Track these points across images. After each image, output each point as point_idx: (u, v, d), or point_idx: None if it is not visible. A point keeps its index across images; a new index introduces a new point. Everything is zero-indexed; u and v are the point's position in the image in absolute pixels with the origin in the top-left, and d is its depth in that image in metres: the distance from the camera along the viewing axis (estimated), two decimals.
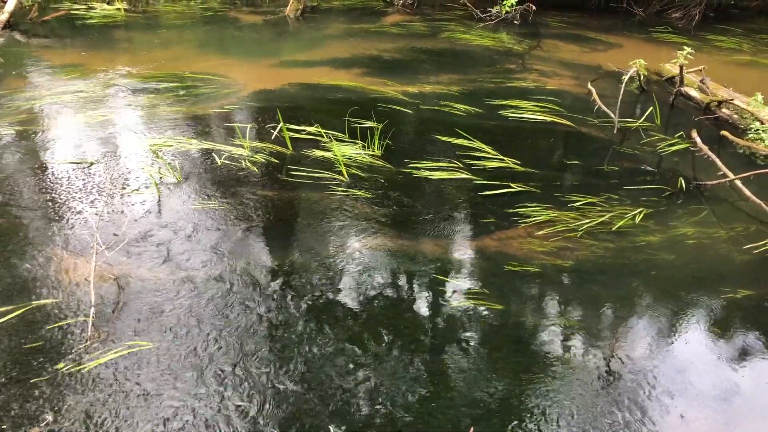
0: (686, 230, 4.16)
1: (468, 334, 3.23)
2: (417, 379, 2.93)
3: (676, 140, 5.44)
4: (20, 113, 5.55)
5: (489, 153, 5.02)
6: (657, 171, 5.01)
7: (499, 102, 6.12)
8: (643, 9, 10.21)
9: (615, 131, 5.65)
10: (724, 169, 4.73)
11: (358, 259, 3.76)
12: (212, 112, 5.77)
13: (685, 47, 6.03)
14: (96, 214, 4.04)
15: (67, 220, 3.99)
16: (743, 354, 3.19)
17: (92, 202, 4.20)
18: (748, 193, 4.46)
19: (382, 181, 4.63)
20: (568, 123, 5.76)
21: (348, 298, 3.44)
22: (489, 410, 2.78)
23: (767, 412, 2.87)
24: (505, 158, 4.95)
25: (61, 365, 2.89)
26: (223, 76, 6.66)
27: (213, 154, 4.92)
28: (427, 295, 3.53)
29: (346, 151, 4.93)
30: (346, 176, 4.63)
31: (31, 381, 2.80)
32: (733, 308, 3.51)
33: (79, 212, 4.08)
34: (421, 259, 3.81)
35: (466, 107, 5.99)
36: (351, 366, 2.97)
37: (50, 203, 4.17)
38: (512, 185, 4.57)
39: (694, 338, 3.29)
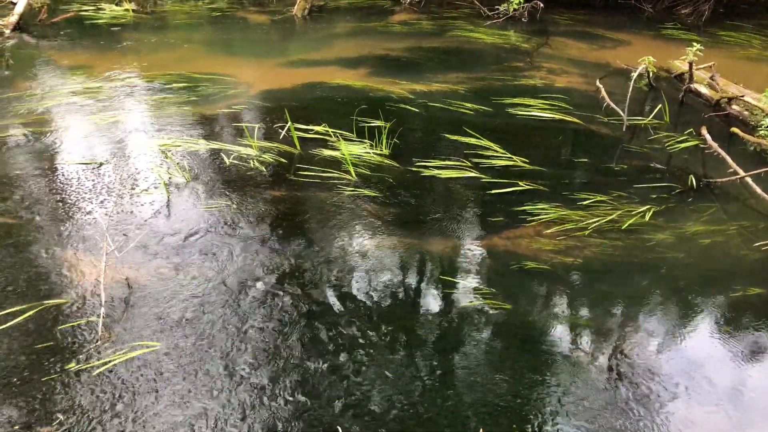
0: (696, 228, 4.14)
1: (476, 333, 3.23)
2: (425, 378, 2.93)
3: (685, 137, 5.40)
4: (30, 114, 5.59)
5: (497, 151, 5.01)
6: (666, 169, 4.98)
7: (507, 100, 6.10)
8: (652, 5, 10.14)
9: (624, 129, 5.62)
10: (735, 167, 4.70)
11: (366, 258, 3.76)
12: (220, 112, 5.79)
13: (695, 43, 5.98)
14: (106, 215, 4.06)
15: (78, 220, 4.02)
16: (754, 352, 3.17)
17: (102, 202, 4.23)
18: (758, 190, 4.43)
19: (390, 180, 4.63)
20: (577, 121, 5.74)
21: (356, 296, 3.44)
22: (498, 410, 2.78)
23: None
24: (513, 156, 4.94)
25: (72, 365, 2.91)
26: (231, 76, 6.68)
27: (221, 154, 4.93)
28: (435, 294, 3.53)
29: (353, 150, 4.94)
30: (354, 175, 4.63)
31: (42, 380, 2.83)
32: (743, 306, 3.49)
33: (89, 213, 4.10)
34: (429, 257, 3.81)
35: (474, 105, 5.97)
36: (359, 365, 2.98)
37: (60, 204, 4.20)
38: (521, 183, 4.55)
39: (704, 337, 3.28)
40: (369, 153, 4.93)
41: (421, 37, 8.51)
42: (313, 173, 4.65)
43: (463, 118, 5.70)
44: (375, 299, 3.44)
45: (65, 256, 3.67)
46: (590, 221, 4.14)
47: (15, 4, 8.66)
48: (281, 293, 3.44)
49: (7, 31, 8.20)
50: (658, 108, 5.86)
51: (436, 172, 4.71)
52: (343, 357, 3.02)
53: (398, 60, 7.54)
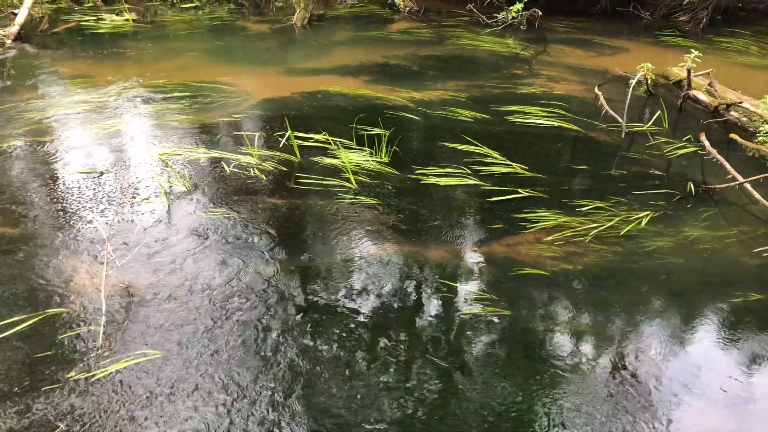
0: (695, 234, 4.15)
1: (477, 339, 3.23)
2: (426, 384, 2.93)
3: (684, 144, 5.42)
4: (31, 124, 5.61)
5: (497, 159, 5.02)
6: (665, 175, 4.99)
7: (507, 107, 6.12)
8: (650, 13, 10.20)
9: (623, 135, 5.64)
10: (734, 173, 4.71)
11: (366, 266, 3.77)
12: (220, 120, 5.81)
13: (693, 50, 6.01)
14: (107, 224, 4.07)
15: (79, 229, 4.03)
16: (754, 358, 3.17)
17: (103, 211, 4.24)
18: (758, 196, 4.44)
19: (390, 187, 4.64)
20: (576, 128, 5.76)
21: (356, 304, 3.45)
22: (498, 416, 2.78)
23: None
24: (512, 164, 4.96)
25: (72, 374, 2.91)
26: (231, 85, 6.71)
27: (222, 162, 4.95)
28: (435, 300, 3.54)
29: (353, 158, 4.95)
30: (353, 183, 4.65)
31: (43, 389, 2.83)
32: (743, 312, 3.49)
33: (90, 221, 4.11)
34: (429, 265, 3.82)
35: (473, 113, 6.00)
36: (360, 371, 2.98)
37: (61, 213, 4.21)
38: (520, 191, 4.57)
39: (705, 343, 3.28)
40: (369, 161, 4.95)
41: (421, 46, 8.55)
42: (313, 181, 4.66)
43: (463, 126, 5.72)
44: (375, 306, 3.44)
45: (66, 265, 3.68)
46: (590, 227, 4.15)
47: (16, 14, 8.71)
48: (282, 301, 3.44)
49: (9, 42, 8.25)
50: (656, 115, 5.88)
51: (435, 179, 4.73)
52: (343, 364, 3.02)
53: (397, 68, 7.57)
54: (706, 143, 5.30)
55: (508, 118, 5.93)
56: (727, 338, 3.31)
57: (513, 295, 3.56)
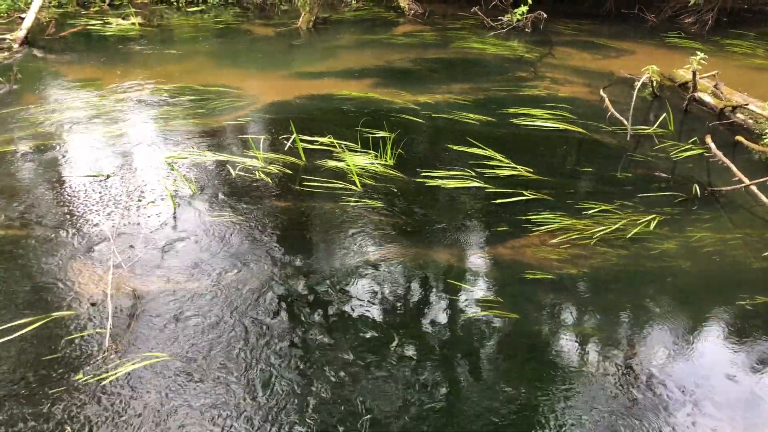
0: (701, 237, 4.13)
1: (482, 342, 3.23)
2: (431, 387, 2.92)
3: (690, 146, 5.41)
4: (38, 127, 5.64)
5: (501, 161, 5.02)
6: (671, 177, 4.98)
7: (511, 110, 6.12)
8: (655, 15, 10.18)
9: (628, 138, 5.63)
10: (740, 175, 4.70)
11: (371, 269, 3.77)
12: (226, 124, 5.83)
13: (698, 52, 6.00)
14: (113, 227, 4.09)
15: (85, 232, 4.04)
16: (761, 361, 3.16)
17: (109, 214, 4.26)
18: (764, 198, 4.43)
19: (395, 190, 4.64)
20: (581, 130, 5.75)
21: (362, 307, 3.45)
22: (503, 420, 2.77)
23: None
24: (517, 166, 4.95)
25: (79, 376, 2.92)
26: (237, 89, 6.73)
27: (227, 165, 4.96)
28: (440, 303, 3.54)
29: (358, 161, 4.96)
30: (359, 186, 4.65)
31: (50, 392, 2.84)
32: (750, 315, 3.47)
33: (96, 225, 4.13)
34: (434, 267, 3.82)
35: (478, 116, 6.00)
36: (365, 374, 2.98)
37: (68, 216, 4.23)
38: (525, 193, 4.56)
39: (711, 346, 3.26)
40: (374, 164, 4.96)
41: (425, 49, 8.56)
42: (318, 184, 4.67)
43: (468, 129, 5.72)
44: (380, 309, 3.44)
45: (73, 267, 3.70)
46: (595, 230, 4.14)
47: (23, 18, 8.77)
48: (288, 304, 3.45)
49: (16, 46, 8.31)
50: (662, 117, 5.86)
51: (440, 182, 4.73)
52: (347, 366, 3.02)
53: (402, 71, 7.58)
54: (712, 145, 5.28)
55: (513, 120, 5.93)
56: (734, 341, 3.29)
57: (518, 298, 3.55)
